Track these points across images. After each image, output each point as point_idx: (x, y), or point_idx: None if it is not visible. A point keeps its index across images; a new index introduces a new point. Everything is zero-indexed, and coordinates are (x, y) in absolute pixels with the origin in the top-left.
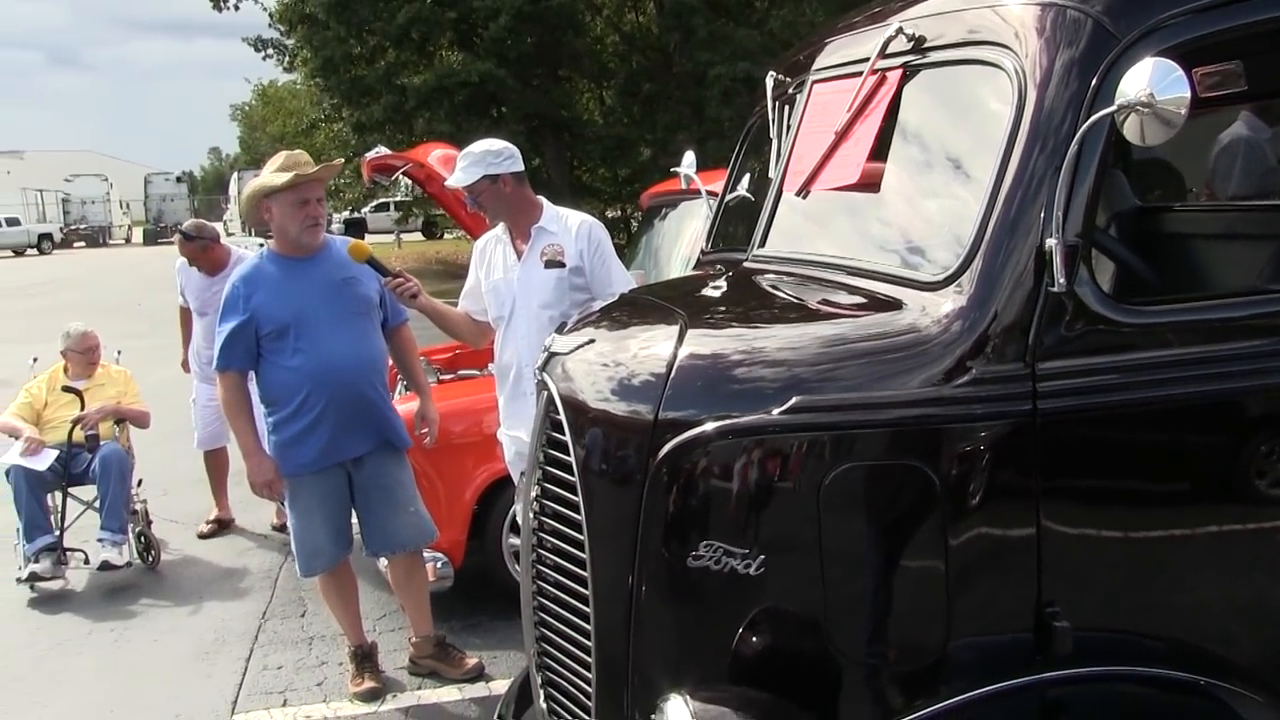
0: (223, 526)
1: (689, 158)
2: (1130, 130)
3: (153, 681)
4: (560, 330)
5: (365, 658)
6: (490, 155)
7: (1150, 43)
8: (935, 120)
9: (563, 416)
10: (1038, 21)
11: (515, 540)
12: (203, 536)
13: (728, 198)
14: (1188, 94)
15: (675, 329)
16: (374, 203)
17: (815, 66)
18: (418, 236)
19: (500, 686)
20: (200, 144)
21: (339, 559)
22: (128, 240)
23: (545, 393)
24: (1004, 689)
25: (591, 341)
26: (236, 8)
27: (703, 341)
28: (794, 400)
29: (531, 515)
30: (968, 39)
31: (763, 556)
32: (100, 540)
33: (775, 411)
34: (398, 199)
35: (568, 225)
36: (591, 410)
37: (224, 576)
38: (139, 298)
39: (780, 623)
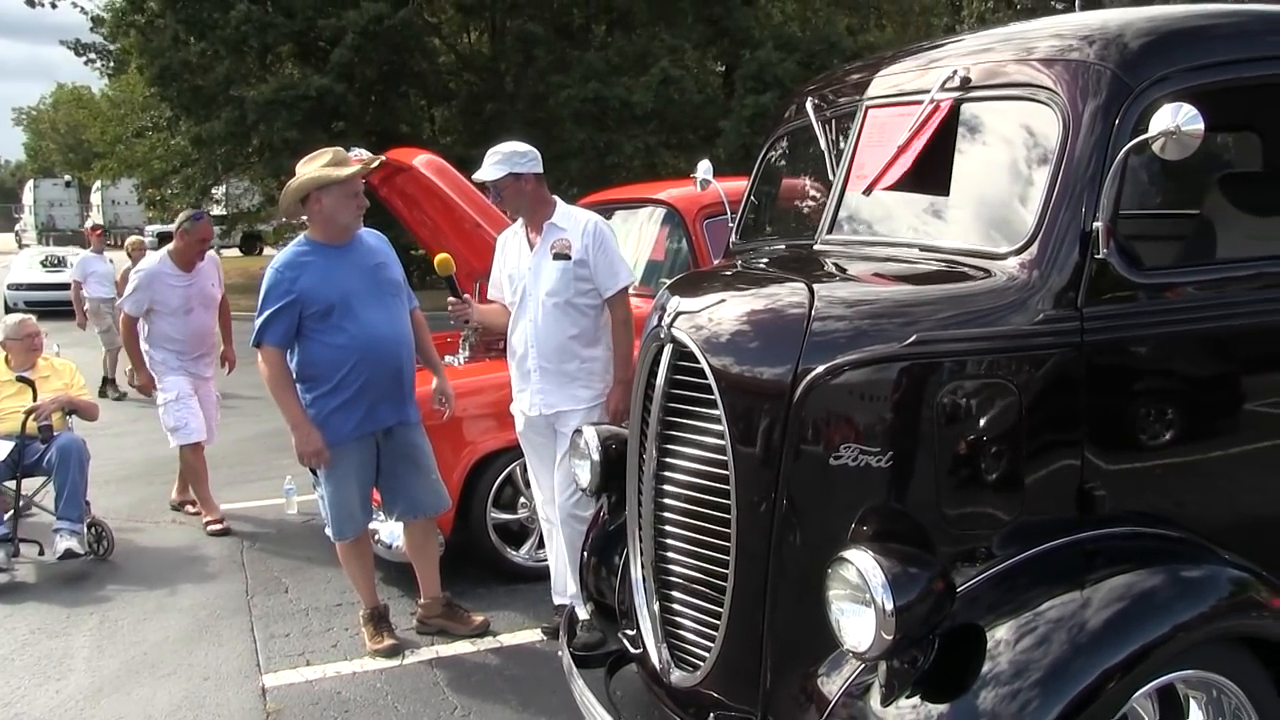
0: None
1: (705, 165)
2: (1159, 150)
3: (163, 651)
4: (676, 293)
5: (381, 618)
6: (516, 155)
7: (1155, 90)
8: (995, 140)
9: (702, 362)
10: (1075, 73)
11: (497, 514)
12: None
13: (751, 198)
14: (1202, 126)
15: (802, 287)
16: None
17: (869, 95)
18: (235, 252)
19: (509, 639)
20: None
21: (366, 525)
22: None
23: (670, 345)
24: (1058, 544)
25: (722, 301)
26: (54, 5)
27: (832, 296)
28: (914, 337)
29: (653, 447)
30: (1018, 80)
31: (890, 453)
32: (58, 530)
33: (900, 346)
34: (217, 212)
35: (576, 222)
36: (736, 353)
37: (185, 563)
38: None
39: (903, 501)
